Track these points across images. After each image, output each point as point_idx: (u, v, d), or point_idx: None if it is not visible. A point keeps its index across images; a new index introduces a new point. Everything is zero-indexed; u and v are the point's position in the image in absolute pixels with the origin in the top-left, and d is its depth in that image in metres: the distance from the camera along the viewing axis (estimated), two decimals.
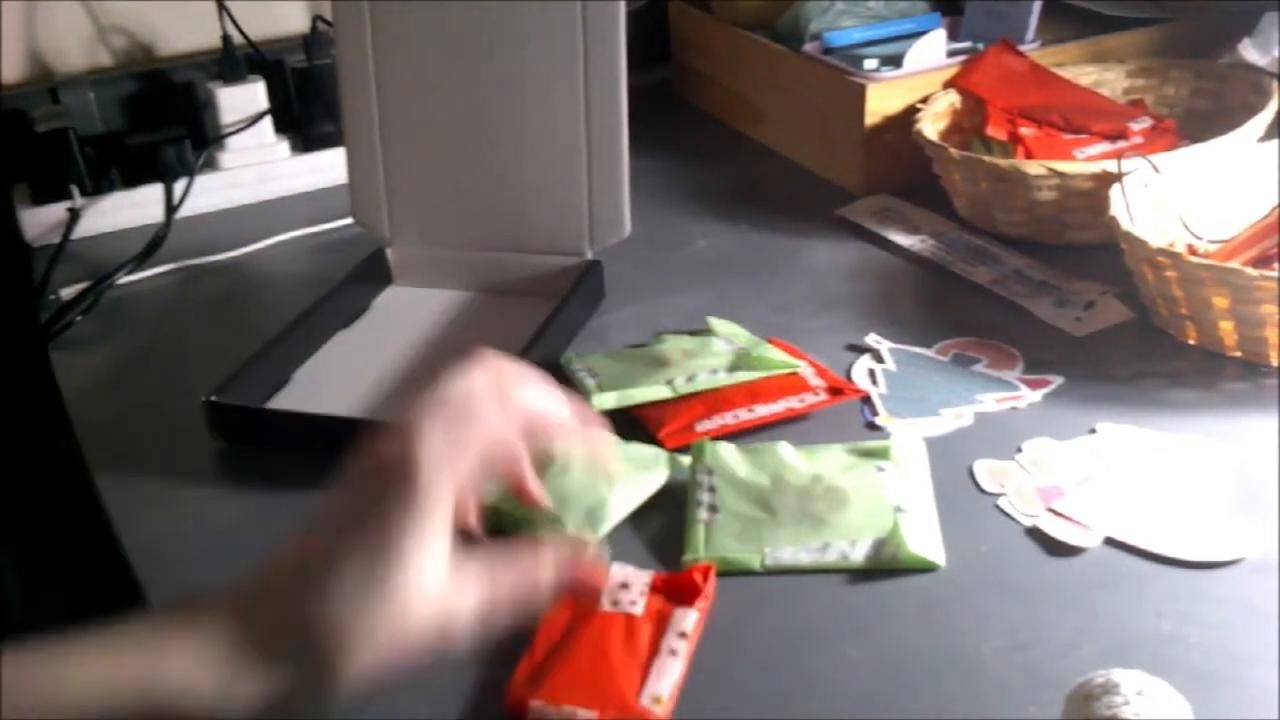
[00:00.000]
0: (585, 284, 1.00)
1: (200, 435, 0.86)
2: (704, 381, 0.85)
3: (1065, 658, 0.63)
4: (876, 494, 0.74)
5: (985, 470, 0.78)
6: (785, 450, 0.78)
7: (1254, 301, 0.83)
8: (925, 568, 0.70)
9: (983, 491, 0.76)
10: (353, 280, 1.03)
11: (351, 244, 1.09)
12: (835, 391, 0.86)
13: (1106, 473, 0.76)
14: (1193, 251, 0.94)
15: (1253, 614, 0.65)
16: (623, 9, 0.96)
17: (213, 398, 0.85)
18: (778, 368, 0.87)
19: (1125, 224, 0.90)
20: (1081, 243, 1.03)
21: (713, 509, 0.74)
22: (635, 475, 0.77)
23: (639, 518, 0.76)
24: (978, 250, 1.05)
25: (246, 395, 0.88)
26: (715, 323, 0.95)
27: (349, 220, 1.16)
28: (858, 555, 0.71)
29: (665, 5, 1.45)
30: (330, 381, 0.93)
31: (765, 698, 0.63)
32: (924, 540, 0.71)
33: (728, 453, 0.78)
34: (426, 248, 1.06)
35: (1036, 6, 1.21)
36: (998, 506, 0.74)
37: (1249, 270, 0.83)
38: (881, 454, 0.77)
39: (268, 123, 1.27)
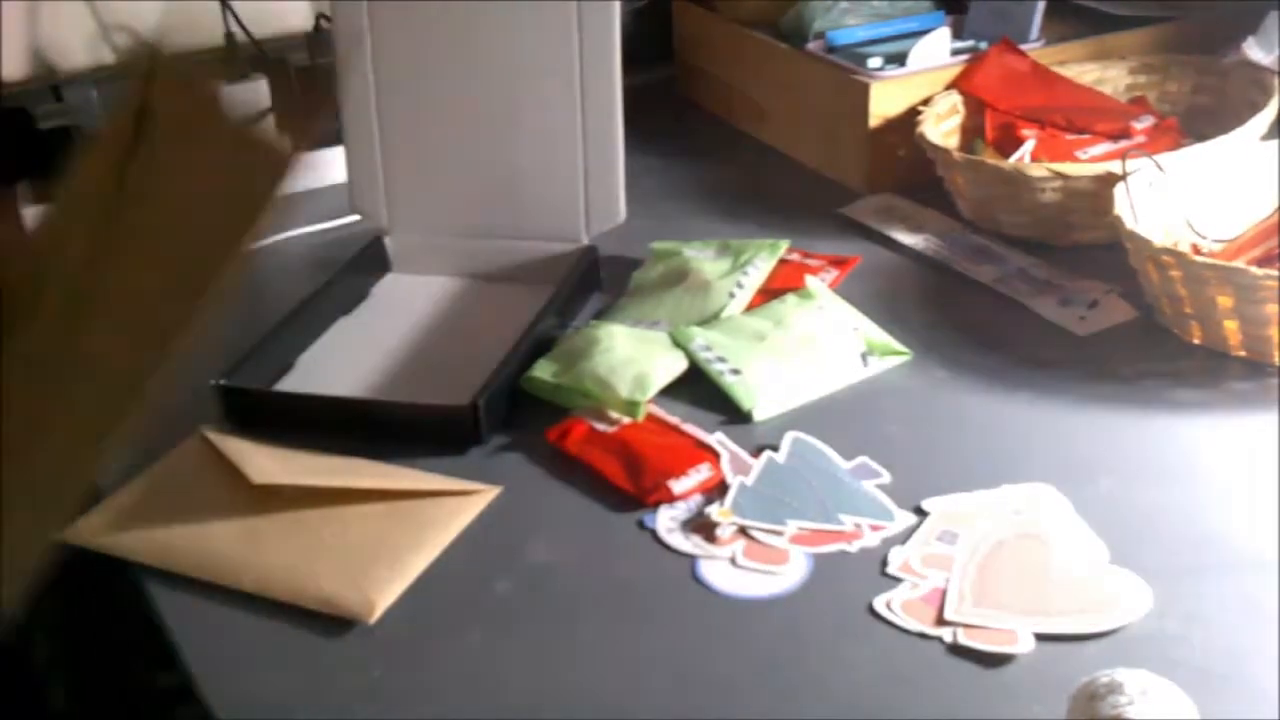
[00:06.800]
0: (581, 269, 1.01)
1: (201, 423, 0.86)
2: (754, 279, 0.97)
3: (1070, 657, 0.63)
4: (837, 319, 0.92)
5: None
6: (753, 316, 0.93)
7: (1258, 301, 0.83)
8: (898, 355, 0.90)
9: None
10: (352, 268, 1.04)
11: (353, 242, 1.09)
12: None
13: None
14: (1197, 251, 0.93)
15: (1255, 613, 0.65)
16: None
17: (222, 381, 0.86)
18: (763, 248, 1.00)
19: (1129, 223, 0.89)
20: (1085, 243, 1.02)
21: (735, 372, 0.87)
22: (666, 353, 0.88)
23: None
24: (981, 249, 1.04)
25: (252, 379, 0.89)
26: (659, 245, 1.04)
27: (350, 219, 1.16)
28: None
29: (668, 4, 1.44)
30: (333, 366, 0.95)
31: (767, 697, 0.63)
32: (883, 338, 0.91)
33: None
34: (424, 235, 1.07)
35: (1040, 5, 1.21)
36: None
37: (1253, 269, 0.83)
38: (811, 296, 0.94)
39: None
